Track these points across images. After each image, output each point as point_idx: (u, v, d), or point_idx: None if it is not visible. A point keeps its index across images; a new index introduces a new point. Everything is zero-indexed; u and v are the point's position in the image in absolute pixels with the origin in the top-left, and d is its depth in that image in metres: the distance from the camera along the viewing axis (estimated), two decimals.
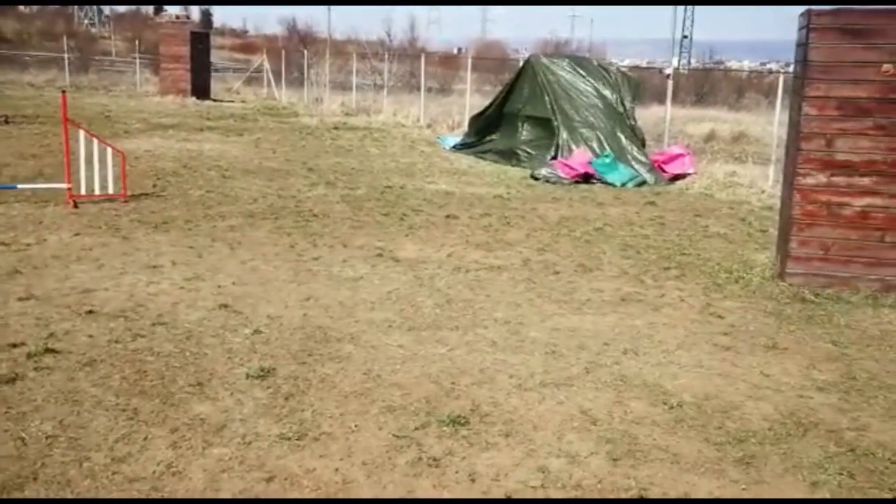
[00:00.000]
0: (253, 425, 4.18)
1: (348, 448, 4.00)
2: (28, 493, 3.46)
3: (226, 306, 6.09)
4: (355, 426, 4.23)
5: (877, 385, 5.11)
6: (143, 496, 3.48)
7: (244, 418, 4.26)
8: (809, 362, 5.48)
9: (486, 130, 16.85)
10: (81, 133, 9.77)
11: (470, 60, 23.44)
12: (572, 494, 3.64)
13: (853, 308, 6.77)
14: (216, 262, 7.36)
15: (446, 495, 3.60)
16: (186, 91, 28.50)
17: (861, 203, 7.07)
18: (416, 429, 4.22)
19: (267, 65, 33.68)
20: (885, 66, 6.82)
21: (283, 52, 35.52)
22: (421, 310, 6.25)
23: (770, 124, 14.59)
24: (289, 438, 4.05)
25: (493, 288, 6.94)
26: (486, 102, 18.10)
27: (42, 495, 3.44)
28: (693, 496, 3.67)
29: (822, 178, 7.12)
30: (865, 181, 7.02)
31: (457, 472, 3.80)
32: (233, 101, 29.79)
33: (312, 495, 3.56)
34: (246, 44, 68.06)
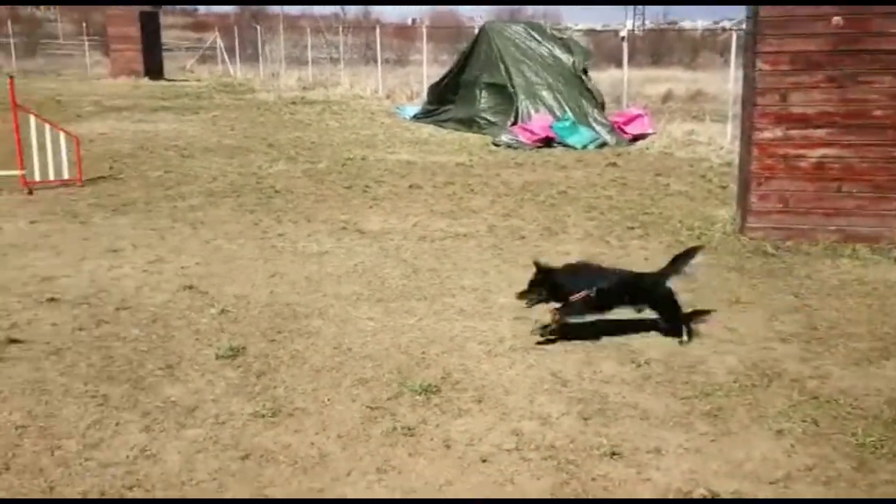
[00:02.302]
0: (226, 405, 4.17)
1: (322, 422, 4.01)
2: (0, 484, 3.43)
3: (191, 287, 6.04)
4: (328, 400, 4.24)
5: (837, 334, 5.22)
6: (118, 480, 3.46)
7: (216, 398, 4.25)
8: (772, 314, 5.58)
9: (444, 99, 16.80)
10: (32, 118, 9.58)
11: (425, 30, 23.27)
12: (546, 455, 3.69)
13: (813, 259, 6.89)
14: (178, 244, 7.28)
15: (422, 462, 3.64)
16: (139, 72, 28.11)
17: (817, 155, 7.17)
18: (389, 399, 4.24)
19: (220, 42, 33.17)
20: (835, 19, 6.89)
21: (236, 28, 35.00)
22: (388, 281, 6.25)
23: (726, 82, 14.70)
24: (262, 416, 4.05)
25: (459, 256, 6.96)
26: (444, 72, 18.02)
27: (15, 485, 3.42)
28: (663, 450, 3.74)
29: (778, 132, 7.20)
30: (820, 133, 7.12)
31: (431, 440, 3.83)
32: (187, 80, 29.34)
33: (289, 470, 3.57)
34: (197, 22, 66.80)
